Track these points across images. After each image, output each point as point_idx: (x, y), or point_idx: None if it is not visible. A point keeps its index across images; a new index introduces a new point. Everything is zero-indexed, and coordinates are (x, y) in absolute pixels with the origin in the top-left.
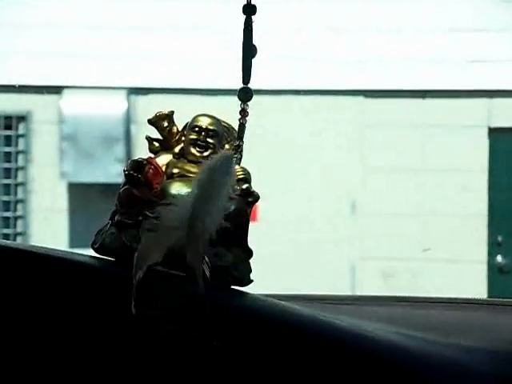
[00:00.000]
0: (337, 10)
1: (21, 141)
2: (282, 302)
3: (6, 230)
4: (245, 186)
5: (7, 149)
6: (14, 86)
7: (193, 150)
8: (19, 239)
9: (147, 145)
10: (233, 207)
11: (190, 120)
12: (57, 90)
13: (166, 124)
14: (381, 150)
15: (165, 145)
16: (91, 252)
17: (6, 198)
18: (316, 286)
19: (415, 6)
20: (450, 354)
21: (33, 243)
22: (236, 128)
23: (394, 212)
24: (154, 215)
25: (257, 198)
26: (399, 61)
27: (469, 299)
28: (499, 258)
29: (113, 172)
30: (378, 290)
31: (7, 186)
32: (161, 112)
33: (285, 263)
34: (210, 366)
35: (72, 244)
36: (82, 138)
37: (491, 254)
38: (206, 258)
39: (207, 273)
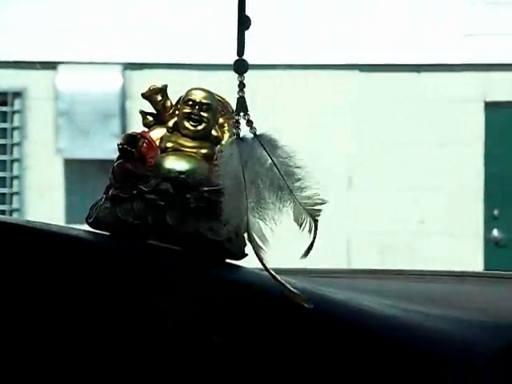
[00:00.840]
0: None
1: (16, 117)
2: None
3: (1, 207)
4: None
5: (3, 125)
6: (9, 62)
7: (186, 124)
8: (15, 215)
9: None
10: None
11: (183, 94)
12: (52, 65)
13: (159, 98)
14: (376, 125)
15: (159, 119)
16: (86, 227)
17: (1, 174)
18: (312, 261)
19: None
20: (447, 327)
21: (29, 219)
22: (230, 102)
23: (389, 186)
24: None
25: None
26: (394, 35)
27: (465, 272)
28: (495, 232)
29: (109, 148)
30: (374, 264)
31: (3, 162)
32: (154, 86)
33: (281, 237)
34: (207, 342)
35: (68, 220)
36: (77, 114)
37: (487, 228)
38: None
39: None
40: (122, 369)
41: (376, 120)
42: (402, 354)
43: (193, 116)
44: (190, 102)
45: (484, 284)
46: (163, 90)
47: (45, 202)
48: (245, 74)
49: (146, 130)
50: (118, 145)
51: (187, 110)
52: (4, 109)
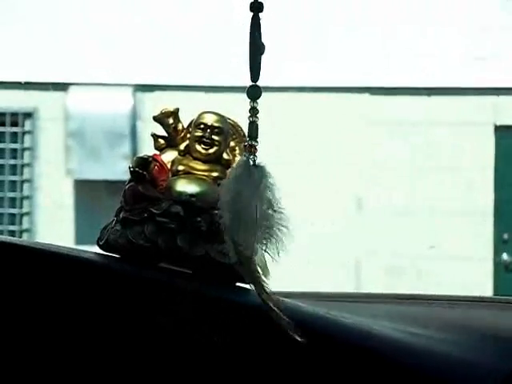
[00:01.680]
0: (343, 7)
1: (27, 137)
2: (287, 299)
3: (12, 227)
4: None
5: (13, 145)
6: (20, 83)
7: (198, 147)
8: (25, 236)
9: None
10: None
11: (195, 117)
12: (63, 86)
13: (171, 121)
14: (386, 148)
15: (170, 142)
16: (96, 249)
17: (12, 195)
18: (321, 284)
19: (421, 3)
20: (456, 352)
21: (38, 240)
22: (241, 125)
23: (399, 209)
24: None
25: None
26: (405, 58)
27: (475, 297)
28: (505, 256)
29: (119, 169)
30: (384, 287)
31: (13, 182)
32: (166, 109)
33: (290, 260)
34: (213, 363)
35: (78, 241)
36: (88, 135)
37: (497, 252)
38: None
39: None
40: None
41: (386, 143)
42: (411, 378)
43: (204, 139)
44: (202, 126)
45: (494, 309)
46: (175, 114)
47: (55, 223)
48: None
49: (158, 152)
50: (130, 168)
51: (199, 134)
52: (15, 129)
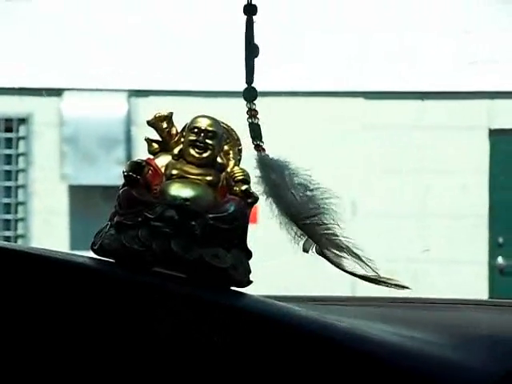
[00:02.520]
0: (336, 12)
1: (21, 143)
2: (282, 304)
3: (6, 233)
4: (244, 187)
5: (8, 151)
6: (14, 89)
7: (192, 151)
8: (20, 241)
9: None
10: (232, 208)
11: (189, 121)
12: (57, 92)
13: (165, 125)
14: (381, 152)
15: (164, 146)
16: (91, 253)
17: (6, 200)
18: (316, 287)
19: (415, 6)
20: (451, 355)
21: (33, 245)
22: (236, 130)
23: (394, 213)
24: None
25: (256, 199)
26: (399, 62)
27: (469, 300)
28: (500, 259)
29: (113, 174)
30: (379, 290)
31: (8, 188)
32: (160, 113)
33: (284, 264)
34: (209, 368)
35: (73, 246)
36: (82, 140)
37: (492, 256)
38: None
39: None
40: None
41: (380, 147)
42: (405, 381)
43: (198, 143)
44: (196, 130)
45: (488, 312)
46: (169, 118)
47: (50, 228)
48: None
49: (152, 157)
50: (124, 172)
51: (192, 138)
52: (9, 135)
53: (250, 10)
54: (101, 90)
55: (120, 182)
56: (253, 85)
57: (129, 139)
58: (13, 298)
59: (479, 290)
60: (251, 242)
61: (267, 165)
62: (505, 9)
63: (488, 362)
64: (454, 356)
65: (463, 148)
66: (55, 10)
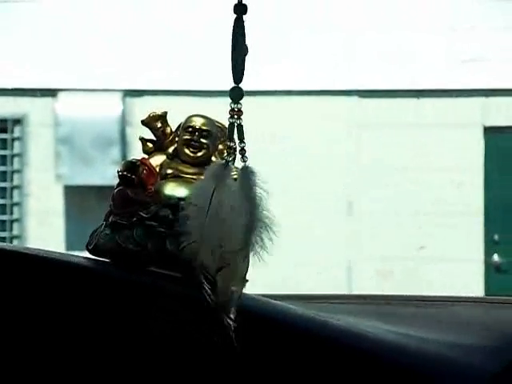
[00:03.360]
0: (330, 10)
1: (16, 144)
2: (279, 302)
3: (2, 233)
4: None
5: (3, 152)
6: (8, 90)
7: (186, 151)
8: (15, 242)
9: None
10: None
11: (183, 121)
12: (52, 92)
13: (159, 125)
14: (376, 150)
15: (158, 145)
16: (86, 253)
17: (2, 201)
18: (313, 286)
19: (410, 5)
20: (448, 352)
21: (29, 246)
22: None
23: (389, 211)
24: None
25: None
26: (393, 60)
27: (465, 298)
28: (496, 257)
29: (109, 174)
30: (375, 289)
31: (3, 189)
32: (154, 113)
33: (282, 263)
34: (207, 365)
35: (68, 246)
36: (77, 141)
37: (488, 253)
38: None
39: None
40: None
41: (375, 145)
42: (402, 378)
43: (193, 143)
44: (190, 129)
45: (484, 309)
46: (163, 117)
47: (45, 229)
48: (241, 101)
49: (146, 156)
50: (118, 172)
51: (187, 137)
52: (4, 136)
53: (241, 10)
54: (95, 90)
55: (115, 182)
56: (240, 85)
57: (124, 139)
58: (9, 297)
59: (475, 287)
60: None
61: (246, 186)
62: (497, 6)
63: (484, 358)
64: (450, 353)
65: (458, 145)
66: (50, 12)
